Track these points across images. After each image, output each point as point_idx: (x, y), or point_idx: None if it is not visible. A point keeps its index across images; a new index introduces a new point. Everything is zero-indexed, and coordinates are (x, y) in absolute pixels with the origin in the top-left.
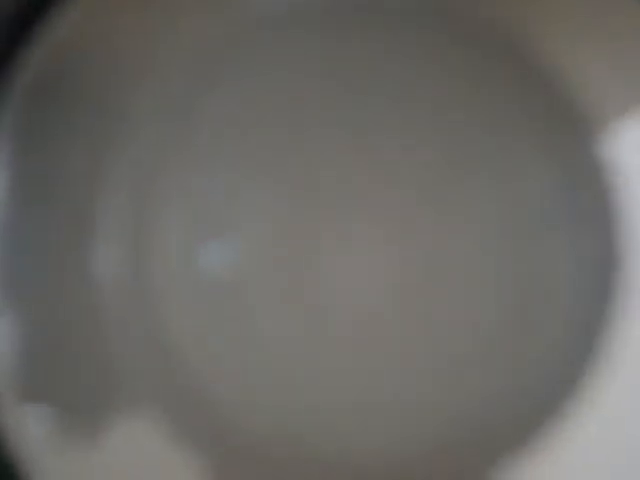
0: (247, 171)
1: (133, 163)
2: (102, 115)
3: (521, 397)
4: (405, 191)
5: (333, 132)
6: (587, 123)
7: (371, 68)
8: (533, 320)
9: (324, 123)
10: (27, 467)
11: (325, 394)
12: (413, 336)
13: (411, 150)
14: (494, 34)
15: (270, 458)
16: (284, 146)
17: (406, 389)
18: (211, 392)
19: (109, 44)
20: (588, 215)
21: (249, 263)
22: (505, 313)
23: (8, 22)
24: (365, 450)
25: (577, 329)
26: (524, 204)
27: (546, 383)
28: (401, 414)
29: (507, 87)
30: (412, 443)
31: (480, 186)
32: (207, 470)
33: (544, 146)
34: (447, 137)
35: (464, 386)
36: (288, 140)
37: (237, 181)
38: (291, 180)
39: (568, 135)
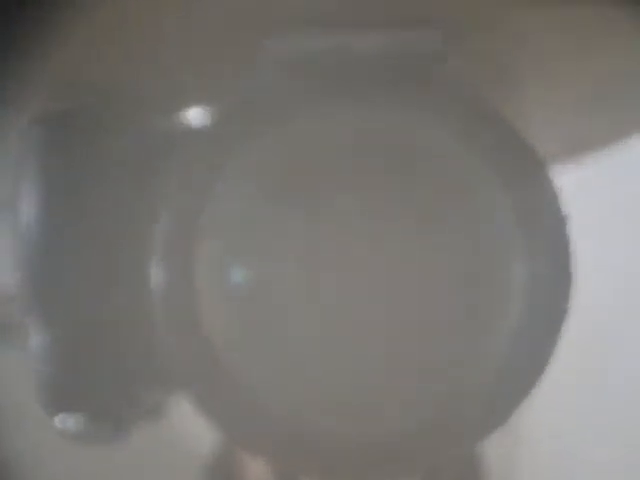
0: (277, 204)
1: (180, 186)
2: (146, 138)
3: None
4: (394, 222)
5: (344, 174)
6: (540, 157)
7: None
8: (496, 318)
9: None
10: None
11: (335, 380)
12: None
13: (399, 188)
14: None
15: (288, 431)
16: (309, 185)
17: (401, 377)
18: (239, 378)
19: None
20: (542, 244)
21: (272, 278)
22: (473, 313)
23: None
24: (369, 426)
25: (532, 329)
26: (482, 236)
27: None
28: (396, 396)
29: (459, 125)
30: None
31: (442, 222)
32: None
33: (499, 182)
34: (426, 175)
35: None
36: (312, 180)
37: (269, 211)
38: (315, 214)
39: (522, 170)
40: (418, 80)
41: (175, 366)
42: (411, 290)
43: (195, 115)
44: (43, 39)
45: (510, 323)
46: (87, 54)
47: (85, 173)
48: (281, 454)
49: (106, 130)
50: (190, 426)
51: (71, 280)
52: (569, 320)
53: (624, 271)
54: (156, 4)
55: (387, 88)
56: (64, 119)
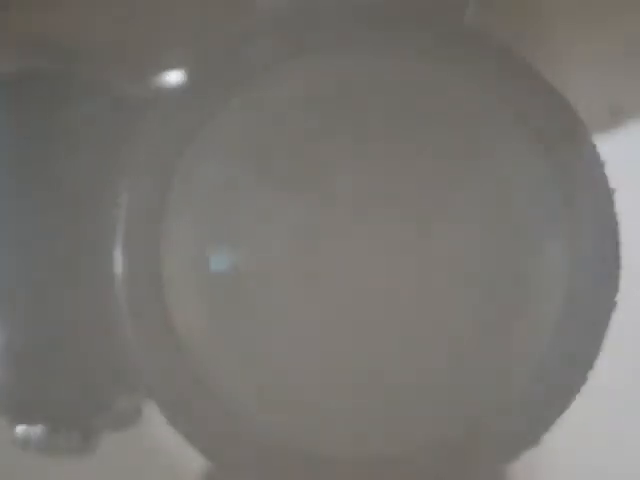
0: (262, 179)
1: (150, 164)
2: (115, 113)
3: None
4: (409, 195)
5: (344, 142)
6: (585, 124)
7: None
8: (530, 316)
9: (335, 135)
10: None
11: (327, 391)
12: (419, 335)
13: (412, 154)
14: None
15: (274, 452)
16: (299, 155)
17: (410, 386)
18: (216, 384)
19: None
20: (586, 224)
21: (256, 266)
22: (503, 311)
23: None
24: (371, 446)
25: (573, 329)
26: (522, 208)
27: (545, 380)
28: (405, 409)
29: (505, 87)
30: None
31: (479, 189)
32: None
33: (542, 150)
34: (445, 139)
35: (464, 383)
36: (304, 148)
37: (252, 188)
38: (304, 189)
39: (567, 137)
40: (437, 31)
41: (143, 371)
42: (426, 285)
43: (168, 78)
44: None
45: (548, 321)
46: (51, 10)
47: (41, 143)
48: None
49: (66, 96)
50: (167, 435)
51: (24, 270)
52: (616, 316)
53: None
54: None
55: (402, 39)
56: (20, 82)
